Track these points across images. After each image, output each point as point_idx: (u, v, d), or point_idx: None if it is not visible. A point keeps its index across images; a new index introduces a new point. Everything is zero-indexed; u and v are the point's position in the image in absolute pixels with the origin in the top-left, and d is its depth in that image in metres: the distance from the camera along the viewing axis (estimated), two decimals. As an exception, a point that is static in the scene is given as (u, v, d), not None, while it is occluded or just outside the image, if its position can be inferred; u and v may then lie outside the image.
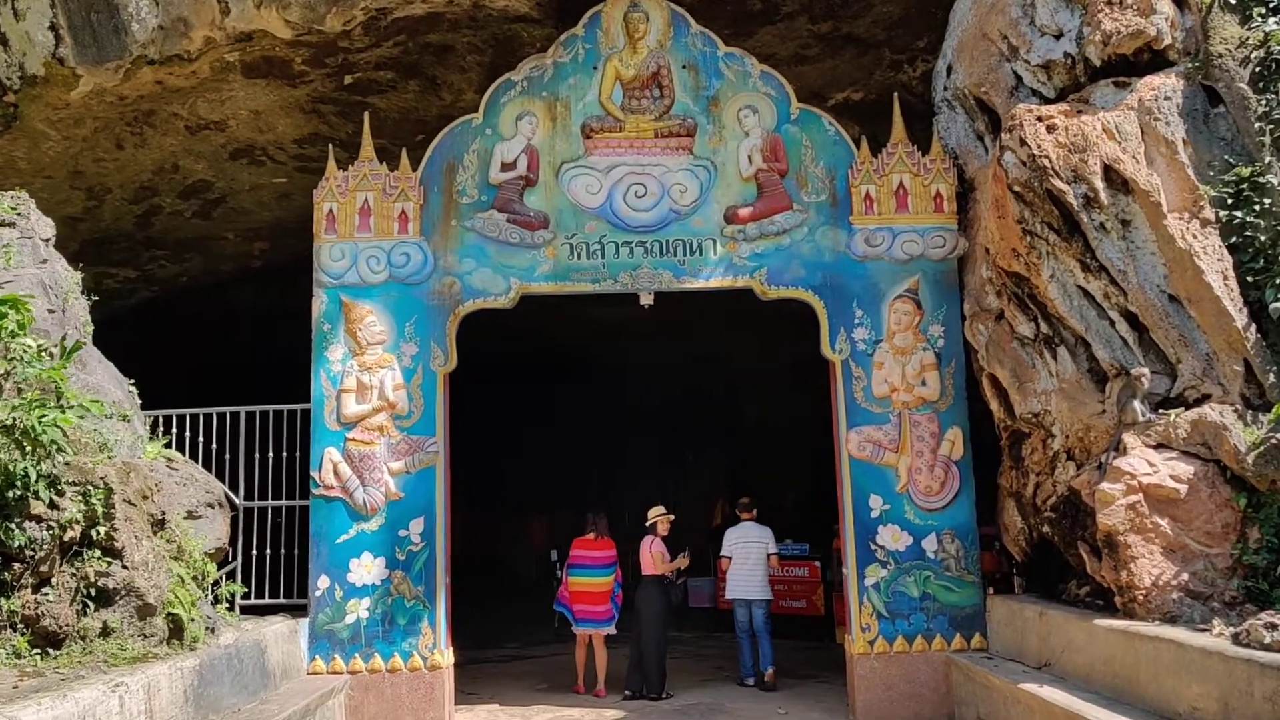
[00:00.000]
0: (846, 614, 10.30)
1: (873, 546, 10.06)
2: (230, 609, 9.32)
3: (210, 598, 8.58)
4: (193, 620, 7.27)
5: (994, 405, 9.84)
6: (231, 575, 9.90)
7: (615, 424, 27.92)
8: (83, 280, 15.11)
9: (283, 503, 10.22)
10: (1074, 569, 8.91)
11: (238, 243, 14.43)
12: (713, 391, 24.27)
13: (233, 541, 9.95)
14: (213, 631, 7.68)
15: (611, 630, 11.33)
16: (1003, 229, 9.07)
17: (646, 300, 10.53)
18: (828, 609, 15.02)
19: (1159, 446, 7.84)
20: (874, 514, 10.10)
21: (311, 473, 10.02)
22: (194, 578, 7.61)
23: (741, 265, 10.46)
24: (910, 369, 10.26)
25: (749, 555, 11.82)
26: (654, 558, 11.47)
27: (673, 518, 11.74)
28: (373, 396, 10.11)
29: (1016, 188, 8.73)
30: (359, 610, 9.84)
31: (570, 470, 29.12)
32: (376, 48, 11.05)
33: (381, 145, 11.11)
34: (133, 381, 9.08)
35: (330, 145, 10.91)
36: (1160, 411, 8.05)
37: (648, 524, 11.67)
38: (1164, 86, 8.54)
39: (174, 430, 10.06)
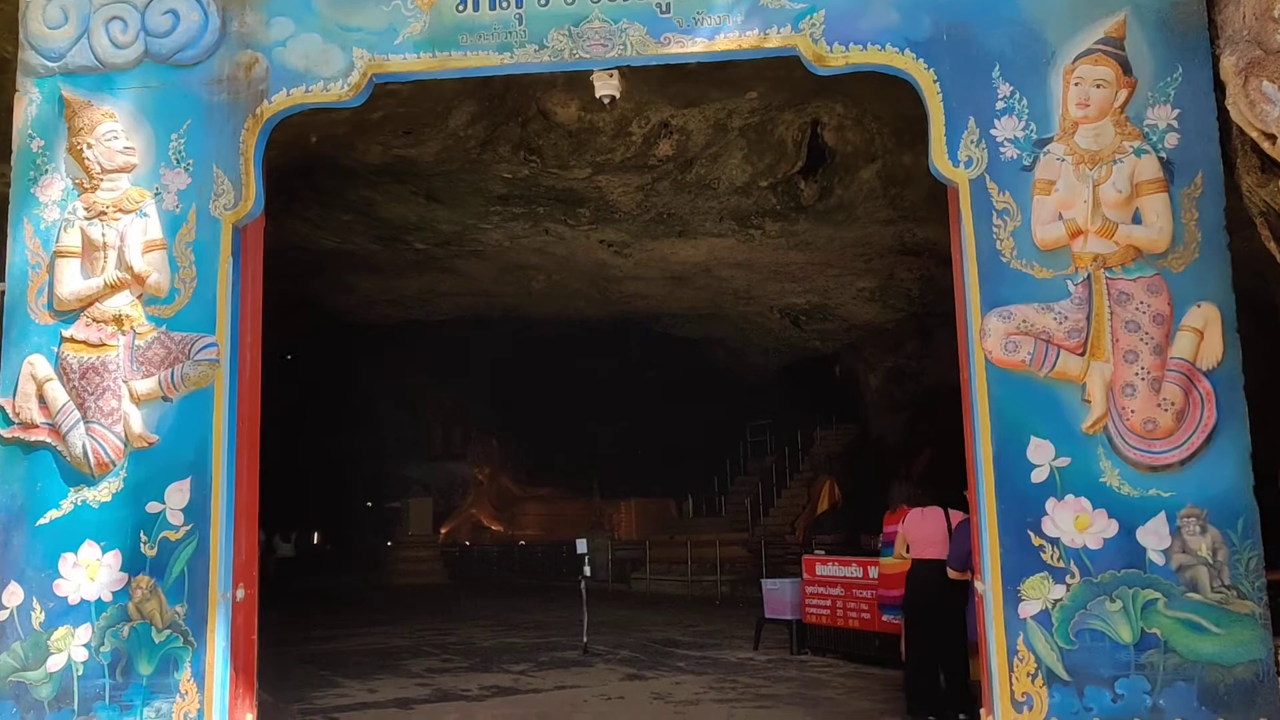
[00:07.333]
0: (984, 668, 5.36)
1: (1036, 540, 5.15)
2: None
3: None
4: None
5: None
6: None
7: (712, 396, 24.73)
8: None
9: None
10: None
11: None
12: (825, 354, 20.97)
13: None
14: None
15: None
16: None
17: (606, 89, 5.78)
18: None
19: None
20: (1037, 476, 5.22)
21: (1, 400, 5.64)
22: None
23: (777, 7, 5.58)
24: (1110, 191, 5.34)
25: None
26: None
27: None
28: (109, 263, 5.68)
29: None
30: (71, 646, 5.48)
31: (659, 449, 26.00)
32: None
33: None
34: None
35: None
36: None
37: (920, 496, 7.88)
38: None
39: None
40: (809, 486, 21.86)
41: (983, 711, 5.35)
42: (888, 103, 9.75)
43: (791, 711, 7.88)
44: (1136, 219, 5.30)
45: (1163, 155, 5.30)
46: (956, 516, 7.09)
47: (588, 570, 12.75)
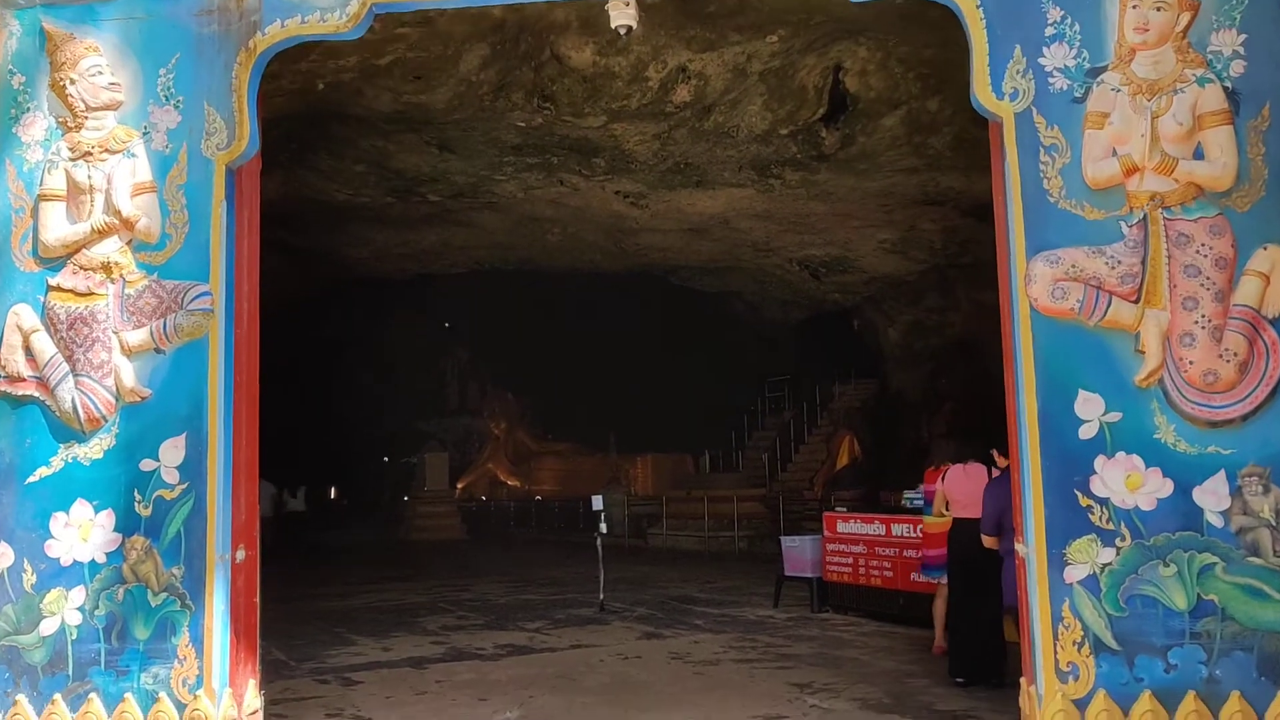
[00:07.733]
0: (1023, 636, 5.05)
1: (1083, 500, 4.81)
2: None
3: None
4: None
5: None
6: None
7: (729, 350, 24.52)
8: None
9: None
10: None
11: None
12: (845, 308, 20.66)
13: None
14: None
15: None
16: None
17: (622, 18, 5.39)
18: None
19: None
20: (1085, 432, 4.85)
21: (-13, 352, 5.38)
22: None
23: (806, -72, 5.16)
24: (1170, 124, 4.91)
25: None
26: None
27: None
28: (95, 207, 5.36)
29: None
30: (65, 610, 5.25)
31: (677, 404, 25.82)
32: None
33: None
34: None
35: None
36: None
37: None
38: None
39: None
40: (828, 442, 21.60)
41: (1023, 680, 5.04)
42: (913, 45, 9.28)
43: (814, 672, 7.56)
44: (1198, 154, 4.85)
45: (1228, 85, 4.85)
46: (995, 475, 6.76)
47: (604, 526, 12.49)
